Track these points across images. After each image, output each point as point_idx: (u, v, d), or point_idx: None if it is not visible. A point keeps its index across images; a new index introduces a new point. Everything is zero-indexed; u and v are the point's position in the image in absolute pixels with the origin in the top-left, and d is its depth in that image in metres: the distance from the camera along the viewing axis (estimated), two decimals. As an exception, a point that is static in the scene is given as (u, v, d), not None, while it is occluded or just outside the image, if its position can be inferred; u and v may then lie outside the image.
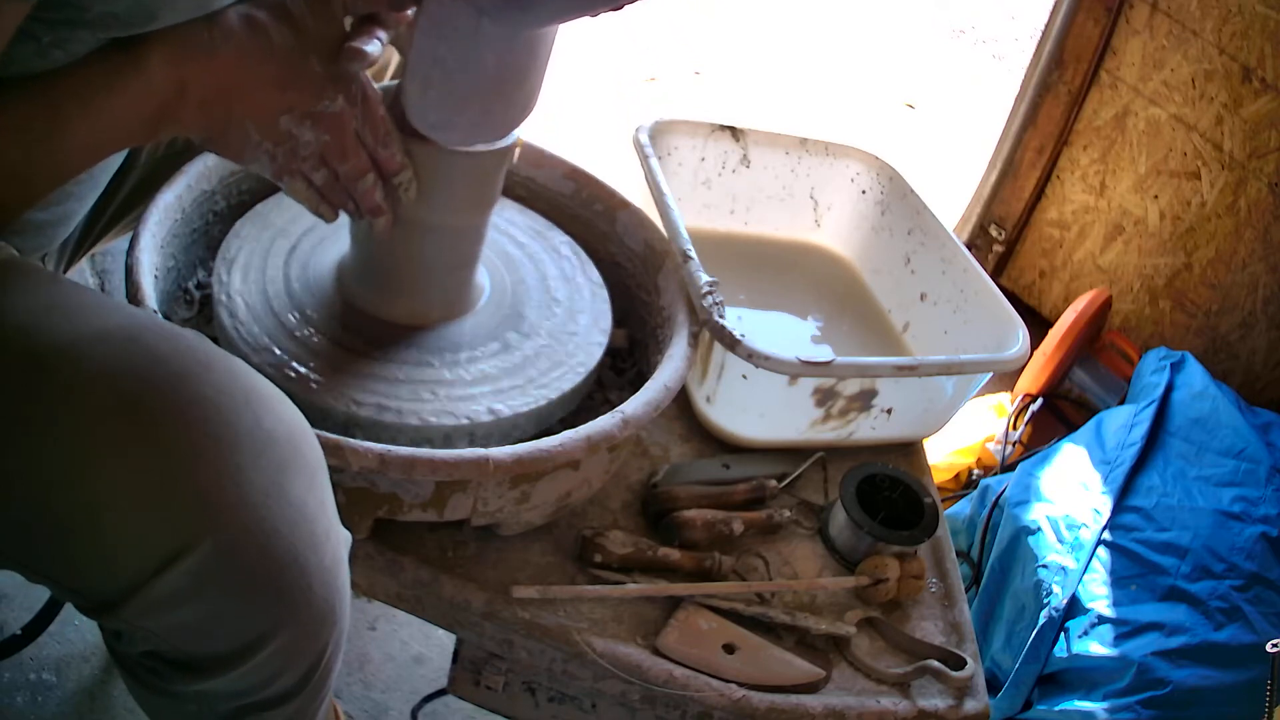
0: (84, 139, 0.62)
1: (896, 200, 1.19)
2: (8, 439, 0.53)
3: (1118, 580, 1.14)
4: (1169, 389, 1.36)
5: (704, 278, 0.88)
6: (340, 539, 0.62)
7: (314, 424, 0.68)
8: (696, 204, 1.20)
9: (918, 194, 1.17)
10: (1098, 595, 1.13)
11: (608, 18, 0.70)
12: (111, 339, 0.56)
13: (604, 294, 0.92)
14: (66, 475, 0.52)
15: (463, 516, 0.75)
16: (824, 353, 1.04)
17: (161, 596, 0.54)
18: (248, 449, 0.55)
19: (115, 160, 0.80)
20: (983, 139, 2.08)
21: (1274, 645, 0.97)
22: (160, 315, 0.73)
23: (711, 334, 0.87)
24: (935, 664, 0.82)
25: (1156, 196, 1.68)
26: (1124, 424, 1.32)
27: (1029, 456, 1.38)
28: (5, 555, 0.56)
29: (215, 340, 0.80)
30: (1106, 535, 1.18)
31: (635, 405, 0.77)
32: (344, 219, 0.83)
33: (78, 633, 1.09)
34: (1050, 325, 1.61)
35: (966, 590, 1.03)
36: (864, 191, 1.22)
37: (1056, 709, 1.09)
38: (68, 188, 0.74)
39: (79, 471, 0.52)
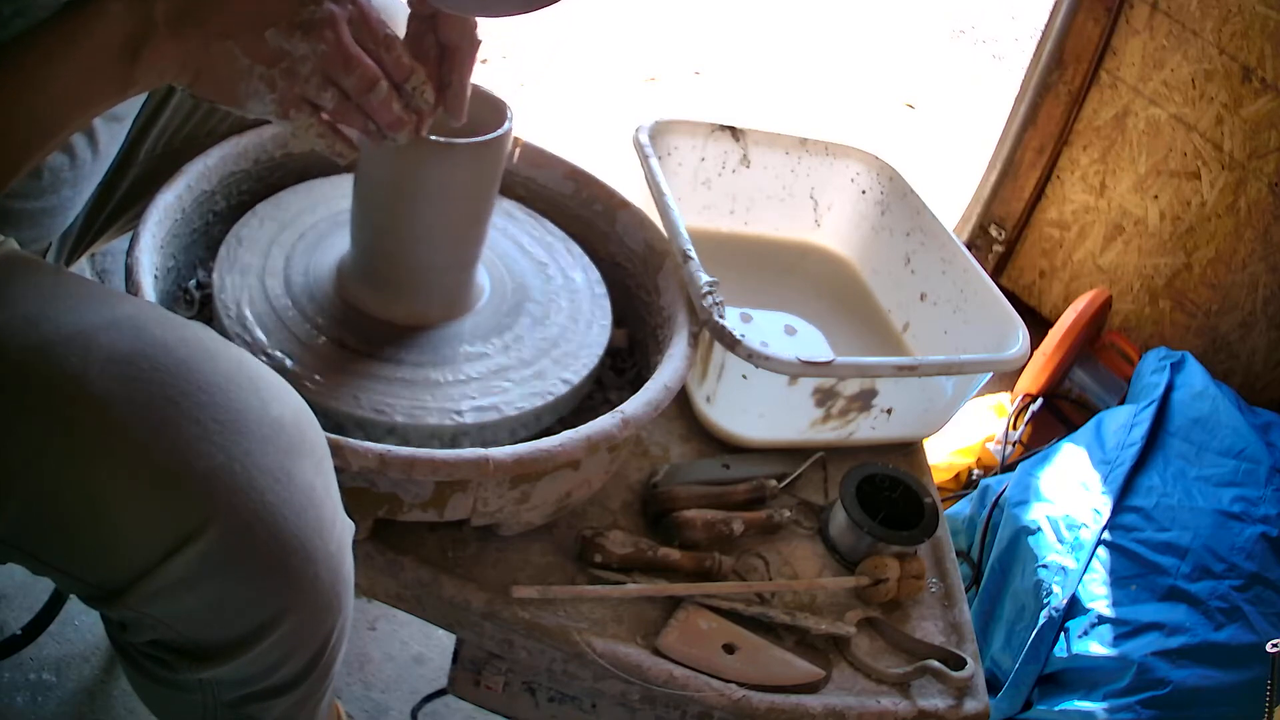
0: (56, 93, 0.58)
1: (896, 200, 1.19)
2: (15, 427, 0.53)
3: (1118, 580, 1.14)
4: (1169, 389, 1.36)
5: (704, 278, 0.88)
6: (345, 526, 0.62)
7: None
8: (696, 204, 1.20)
9: (918, 194, 1.17)
10: (1098, 595, 1.13)
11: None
12: (118, 327, 0.56)
13: (604, 294, 0.92)
14: (75, 462, 0.53)
15: (463, 516, 0.75)
16: (824, 353, 1.04)
17: (170, 581, 0.54)
18: (256, 434, 0.55)
19: (110, 151, 0.79)
20: (983, 139, 2.08)
21: (1274, 645, 0.97)
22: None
23: (711, 334, 0.87)
24: (935, 664, 0.82)
25: (1156, 196, 1.68)
26: (1124, 424, 1.32)
27: (1029, 456, 1.38)
28: (13, 545, 0.56)
29: (215, 340, 0.80)
30: (1106, 535, 1.18)
31: (635, 405, 0.77)
32: (345, 217, 0.83)
33: (78, 633, 1.09)
34: (1050, 325, 1.61)
35: (966, 590, 1.03)
36: (864, 191, 1.22)
37: (1056, 709, 1.09)
38: (61, 174, 0.73)
39: (87, 458, 0.52)
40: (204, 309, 0.84)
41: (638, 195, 1.01)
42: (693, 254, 0.90)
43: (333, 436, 0.67)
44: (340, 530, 0.61)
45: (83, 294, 0.59)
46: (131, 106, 0.79)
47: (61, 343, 0.54)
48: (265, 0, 0.60)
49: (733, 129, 1.18)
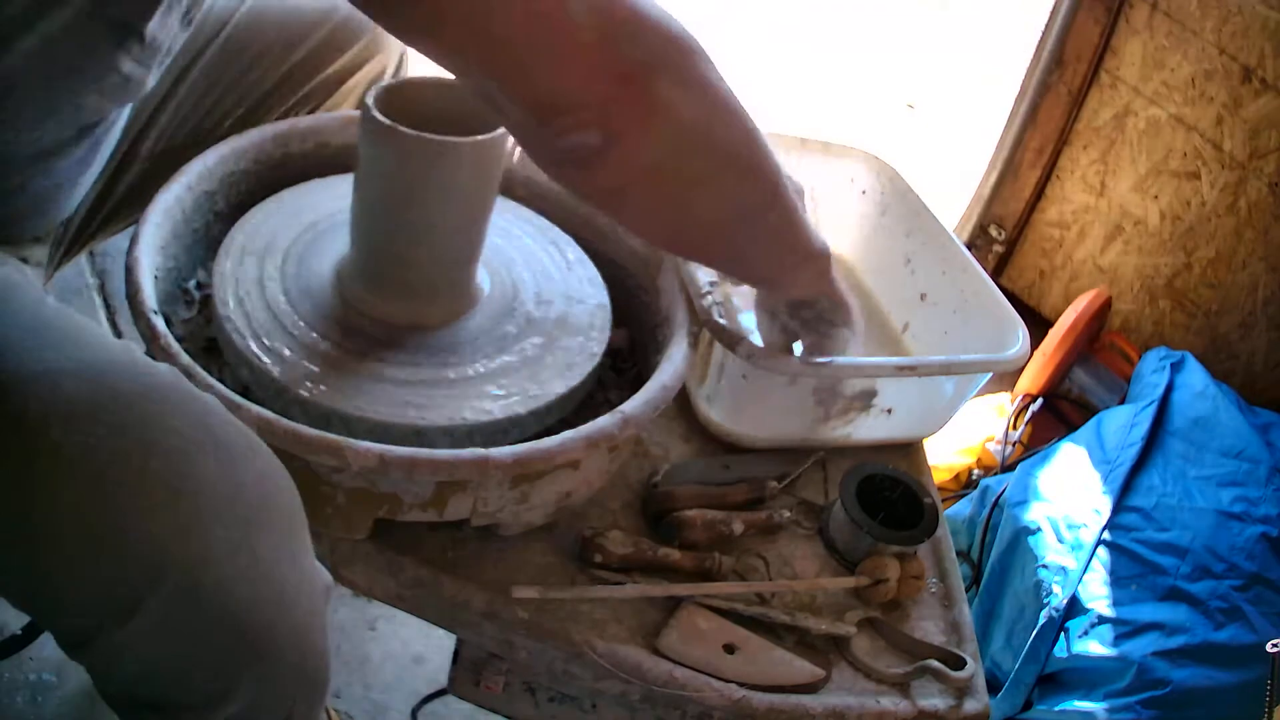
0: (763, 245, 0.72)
1: (896, 200, 1.19)
2: None
3: (1118, 580, 1.14)
4: (1169, 389, 1.36)
5: (704, 278, 0.88)
6: (315, 589, 0.61)
7: (314, 425, 0.68)
8: (696, 204, 1.20)
9: (918, 194, 1.16)
10: (1098, 595, 1.13)
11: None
12: (85, 375, 0.54)
13: (604, 293, 0.92)
14: (30, 511, 0.51)
15: (463, 516, 0.75)
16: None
17: (117, 648, 0.54)
18: (211, 502, 0.54)
19: (110, 140, 0.78)
20: (983, 139, 2.08)
21: (1274, 645, 0.97)
22: (156, 314, 0.73)
23: (711, 334, 0.87)
24: (935, 664, 0.82)
25: (1156, 196, 1.68)
26: (1124, 424, 1.32)
27: (1029, 456, 1.38)
28: None
29: (214, 341, 0.80)
30: (1106, 535, 1.18)
31: (635, 405, 0.77)
32: (344, 218, 0.83)
33: (78, 633, 1.09)
34: (1050, 325, 1.61)
35: (966, 590, 1.03)
36: (864, 191, 1.22)
37: (1056, 709, 1.09)
38: (54, 163, 0.71)
39: (41, 511, 0.51)
40: (203, 309, 0.84)
41: (638, 195, 1.01)
42: (693, 254, 0.90)
43: (333, 436, 0.67)
44: (308, 597, 0.60)
45: (58, 331, 0.57)
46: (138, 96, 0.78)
47: (29, 381, 0.53)
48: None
49: (733, 129, 1.18)
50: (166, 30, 0.66)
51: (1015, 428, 1.51)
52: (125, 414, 0.54)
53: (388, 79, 0.95)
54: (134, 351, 0.60)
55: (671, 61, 0.55)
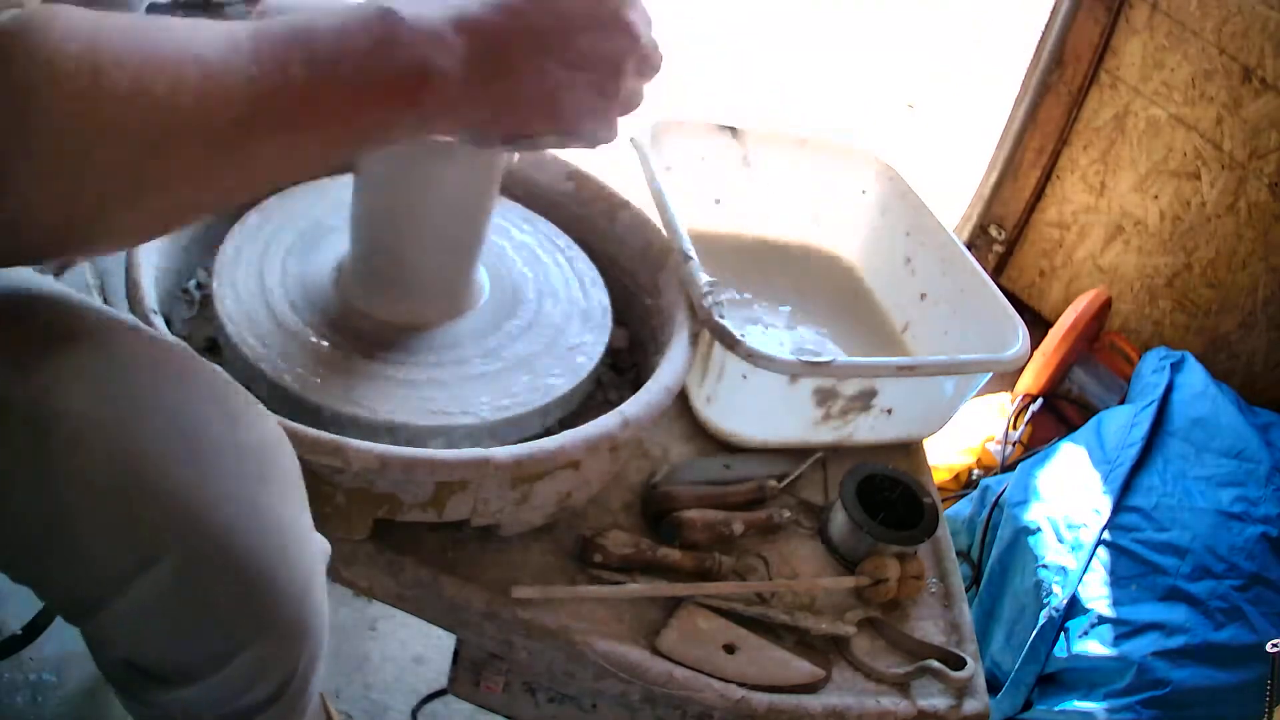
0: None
1: (896, 200, 1.19)
2: None
3: (1118, 580, 1.14)
4: (1169, 389, 1.36)
5: (704, 278, 0.88)
6: (315, 552, 0.61)
7: (313, 424, 0.68)
8: (696, 204, 1.20)
9: (917, 194, 1.17)
10: (1098, 595, 1.13)
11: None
12: (91, 342, 0.55)
13: (604, 294, 0.92)
14: (32, 481, 0.52)
15: (463, 517, 0.75)
16: (824, 353, 1.04)
17: (129, 608, 0.54)
18: (219, 460, 0.54)
19: None
20: (983, 139, 2.08)
21: (1274, 645, 0.97)
22: (156, 314, 0.73)
23: (711, 334, 0.87)
24: (935, 664, 0.82)
25: (1156, 196, 1.68)
26: (1124, 424, 1.32)
27: (1029, 456, 1.38)
28: None
29: (215, 341, 0.80)
30: (1106, 535, 1.18)
31: (636, 406, 0.77)
32: (344, 217, 0.83)
33: (78, 632, 1.09)
34: (1050, 325, 1.61)
35: (966, 590, 1.04)
36: (864, 191, 1.22)
37: (1056, 709, 1.09)
38: None
39: (49, 474, 0.52)
40: (203, 309, 0.84)
41: (638, 196, 1.01)
42: (693, 254, 0.90)
43: (332, 436, 0.67)
44: (309, 558, 0.60)
45: (62, 305, 0.58)
46: None
47: (29, 355, 0.53)
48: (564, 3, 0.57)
49: (732, 129, 1.18)
50: None
51: (1015, 428, 1.51)
52: (136, 376, 0.54)
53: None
54: (139, 322, 0.60)
55: None
